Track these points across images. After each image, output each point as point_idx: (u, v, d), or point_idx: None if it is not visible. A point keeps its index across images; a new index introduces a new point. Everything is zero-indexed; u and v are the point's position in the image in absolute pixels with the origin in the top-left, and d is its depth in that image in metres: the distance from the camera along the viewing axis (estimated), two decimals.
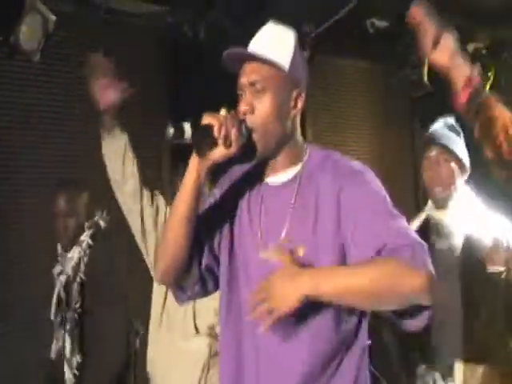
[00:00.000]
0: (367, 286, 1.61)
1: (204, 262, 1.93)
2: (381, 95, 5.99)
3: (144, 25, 4.47)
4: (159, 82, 4.66)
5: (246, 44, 1.83)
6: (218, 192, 2.00)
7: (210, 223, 1.94)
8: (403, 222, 1.73)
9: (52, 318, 3.22)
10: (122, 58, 4.23)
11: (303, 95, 1.87)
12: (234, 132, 1.74)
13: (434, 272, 1.63)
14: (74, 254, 3.26)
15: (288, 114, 1.84)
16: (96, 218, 3.31)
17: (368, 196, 1.75)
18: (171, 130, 1.72)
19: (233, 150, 1.76)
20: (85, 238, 3.26)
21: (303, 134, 1.87)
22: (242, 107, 1.81)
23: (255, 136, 1.80)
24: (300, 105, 1.86)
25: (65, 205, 3.25)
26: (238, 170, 2.01)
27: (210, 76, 4.40)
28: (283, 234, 1.81)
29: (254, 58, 1.82)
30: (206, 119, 1.75)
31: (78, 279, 3.20)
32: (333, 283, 1.63)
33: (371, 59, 5.80)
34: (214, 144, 1.74)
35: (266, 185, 1.91)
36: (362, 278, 1.62)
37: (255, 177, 1.94)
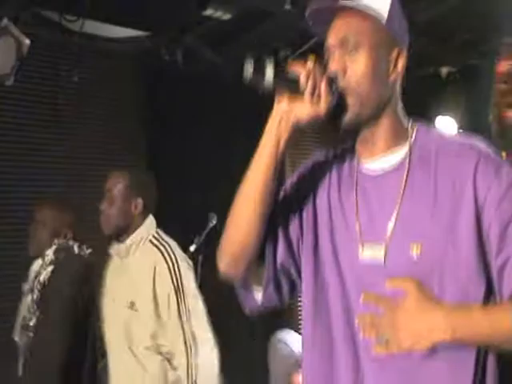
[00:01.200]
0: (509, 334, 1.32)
1: (280, 257, 1.59)
2: None
3: (121, 49, 4.43)
4: (136, 107, 4.61)
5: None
6: (297, 177, 1.66)
7: (288, 213, 1.61)
8: None
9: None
10: (98, 82, 4.24)
11: (405, 54, 1.53)
12: (323, 85, 1.43)
13: None
14: (36, 266, 3.23)
15: (387, 76, 1.51)
16: (68, 239, 3.24)
17: None
18: (250, 69, 1.44)
19: (321, 109, 1.44)
20: (49, 252, 3.21)
21: None
22: (333, 67, 1.48)
23: (348, 97, 1.47)
24: (401, 66, 1.52)
25: (43, 213, 3.24)
26: (322, 155, 1.67)
27: (187, 101, 4.41)
28: (389, 232, 1.45)
29: (343, 9, 1.49)
30: (292, 66, 1.46)
31: (35, 295, 3.17)
32: (473, 330, 1.34)
33: None
34: (300, 96, 1.44)
35: (362, 172, 1.55)
36: (506, 326, 1.32)
37: (347, 161, 1.60)
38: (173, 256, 2.88)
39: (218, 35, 4.40)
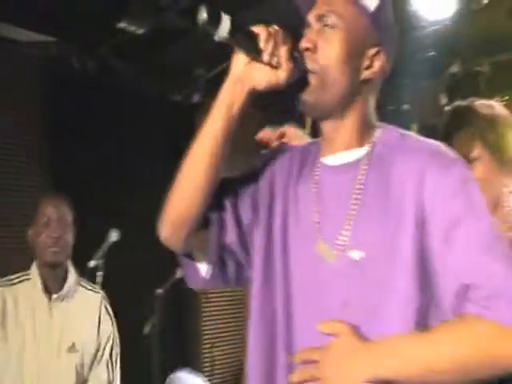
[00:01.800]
0: (452, 366, 1.22)
1: (228, 238, 1.51)
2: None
3: (28, 53, 4.31)
4: (39, 111, 4.47)
5: None
6: (259, 160, 1.60)
7: (242, 190, 1.53)
8: (506, 248, 1.30)
9: None
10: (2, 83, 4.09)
11: (384, 60, 1.44)
12: (284, 50, 1.34)
13: None
14: None
15: (359, 71, 1.42)
16: None
17: (467, 201, 1.32)
18: (204, 14, 1.29)
19: (281, 76, 1.36)
20: None
21: None
22: (302, 43, 1.40)
23: (312, 78, 1.38)
24: (378, 67, 1.43)
25: None
26: (283, 148, 1.62)
27: (94, 111, 4.33)
28: (344, 233, 1.38)
29: None
30: (253, 28, 1.35)
31: None
32: (403, 364, 1.24)
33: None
34: (257, 56, 1.35)
35: (321, 166, 1.48)
36: (445, 357, 1.22)
37: (308, 154, 1.54)
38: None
39: (132, 49, 4.36)
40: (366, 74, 1.42)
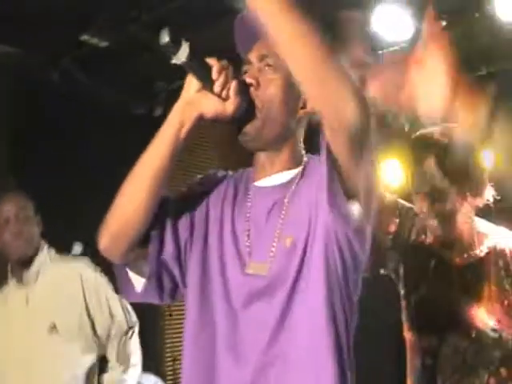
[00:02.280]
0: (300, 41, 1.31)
1: (166, 255, 1.56)
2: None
3: None
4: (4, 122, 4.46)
5: None
6: (197, 184, 1.67)
7: (180, 211, 1.59)
8: None
9: None
10: None
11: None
12: (234, 83, 1.43)
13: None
14: None
15: (295, 111, 1.54)
16: None
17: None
18: (167, 37, 1.39)
19: (229, 108, 1.44)
20: None
21: None
22: (248, 78, 1.49)
23: (257, 114, 1.48)
24: (309, 108, 1.54)
25: None
26: (222, 172, 1.69)
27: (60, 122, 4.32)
28: (272, 253, 1.47)
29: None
30: (208, 59, 1.43)
31: None
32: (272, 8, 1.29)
33: None
34: (209, 86, 1.44)
35: (255, 187, 1.58)
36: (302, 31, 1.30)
37: (244, 178, 1.63)
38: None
39: (95, 61, 4.38)
40: (300, 113, 1.54)
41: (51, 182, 4.18)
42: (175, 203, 1.59)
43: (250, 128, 1.49)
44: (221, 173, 1.69)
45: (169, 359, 5.31)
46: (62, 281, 2.83)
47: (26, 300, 2.78)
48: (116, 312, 2.86)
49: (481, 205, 2.22)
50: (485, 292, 2.16)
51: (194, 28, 3.83)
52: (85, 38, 3.81)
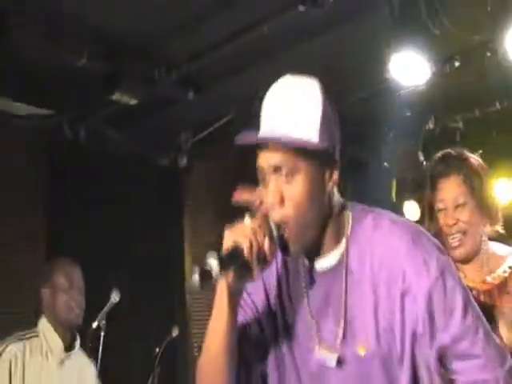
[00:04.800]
0: None
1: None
2: None
3: (23, 126, 4.48)
4: (35, 184, 4.63)
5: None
6: (249, 295, 1.64)
7: (250, 334, 1.61)
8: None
9: None
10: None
11: (338, 164, 1.53)
12: (266, 244, 1.43)
13: None
14: None
15: (323, 192, 1.51)
16: None
17: (444, 291, 1.48)
18: (197, 276, 1.38)
19: (268, 263, 1.46)
20: None
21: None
22: (270, 199, 1.47)
23: (289, 231, 1.47)
24: (336, 174, 1.52)
25: None
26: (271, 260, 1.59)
27: (89, 179, 4.49)
28: (340, 333, 1.52)
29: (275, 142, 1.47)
30: (231, 238, 1.43)
31: None
32: None
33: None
34: (247, 266, 1.43)
35: (310, 271, 1.58)
36: None
37: (293, 265, 1.62)
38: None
39: (123, 118, 4.56)
40: (329, 188, 1.52)
41: (86, 232, 4.33)
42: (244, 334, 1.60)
43: (292, 246, 1.48)
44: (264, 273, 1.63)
45: None
46: (84, 369, 3.02)
47: (57, 371, 2.90)
48: None
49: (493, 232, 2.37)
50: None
51: (220, 83, 4.02)
52: (115, 97, 3.99)
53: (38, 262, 4.13)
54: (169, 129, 4.94)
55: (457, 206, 2.30)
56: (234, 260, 1.41)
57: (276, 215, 1.46)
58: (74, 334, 2.98)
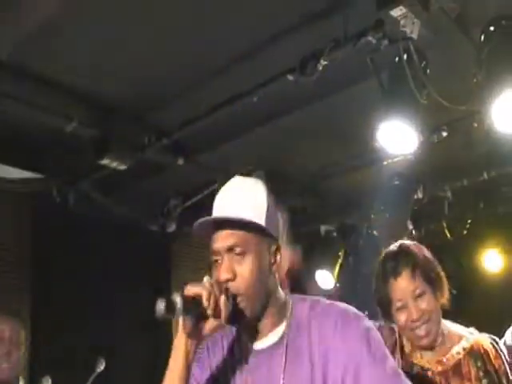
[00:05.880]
0: None
1: None
2: None
3: (10, 188, 4.47)
4: (23, 249, 4.59)
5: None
6: (198, 369, 1.82)
7: None
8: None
9: None
10: None
11: (281, 246, 1.77)
12: (222, 300, 1.62)
13: None
14: None
15: (269, 271, 1.74)
16: None
17: (368, 346, 1.65)
18: (162, 306, 1.56)
19: (223, 320, 1.64)
20: None
21: None
22: (223, 275, 1.68)
23: (240, 302, 1.67)
24: (279, 257, 1.76)
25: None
26: (218, 338, 1.86)
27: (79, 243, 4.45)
28: None
29: (228, 222, 1.70)
30: (192, 289, 1.63)
31: None
32: None
33: None
34: (203, 315, 1.63)
35: (251, 351, 1.77)
36: None
37: (239, 343, 1.81)
38: None
39: (112, 182, 4.55)
40: (274, 269, 1.76)
41: (70, 298, 4.26)
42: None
43: (246, 320, 1.70)
44: (213, 340, 1.84)
45: None
46: None
47: None
48: None
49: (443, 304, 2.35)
50: None
51: (209, 150, 4.04)
52: (104, 162, 3.99)
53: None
54: (158, 194, 4.94)
55: (415, 299, 2.29)
56: (194, 306, 1.60)
57: (229, 288, 1.67)
58: None
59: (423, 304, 2.28)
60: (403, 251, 2.38)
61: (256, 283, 1.68)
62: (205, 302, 1.60)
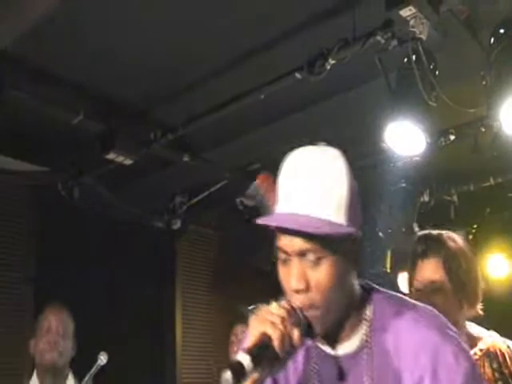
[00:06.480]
0: None
1: None
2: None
3: (17, 182, 4.48)
4: (28, 242, 4.59)
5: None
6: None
7: None
8: None
9: None
10: None
11: (359, 235, 1.44)
12: (296, 334, 1.36)
13: None
14: None
15: (350, 273, 1.45)
16: None
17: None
18: (228, 376, 1.28)
19: (295, 350, 1.40)
20: None
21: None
22: (294, 284, 1.39)
23: (314, 316, 1.40)
24: (357, 249, 1.45)
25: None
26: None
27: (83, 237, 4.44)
28: None
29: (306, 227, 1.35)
30: (260, 329, 1.36)
31: None
32: None
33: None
34: (277, 357, 1.35)
35: (325, 357, 1.52)
36: None
37: (315, 350, 1.54)
38: None
39: (118, 177, 4.55)
40: (354, 265, 1.46)
41: (76, 293, 4.26)
42: None
43: (316, 327, 1.41)
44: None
45: None
46: None
47: None
48: None
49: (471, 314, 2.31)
50: None
51: (215, 147, 4.03)
52: (110, 156, 3.99)
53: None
54: (163, 191, 4.93)
55: (432, 290, 2.26)
56: (264, 353, 1.34)
57: (302, 300, 1.39)
58: (60, 376, 2.96)
59: (437, 299, 2.19)
60: (437, 238, 2.34)
61: (335, 293, 1.40)
62: (277, 346, 1.33)
